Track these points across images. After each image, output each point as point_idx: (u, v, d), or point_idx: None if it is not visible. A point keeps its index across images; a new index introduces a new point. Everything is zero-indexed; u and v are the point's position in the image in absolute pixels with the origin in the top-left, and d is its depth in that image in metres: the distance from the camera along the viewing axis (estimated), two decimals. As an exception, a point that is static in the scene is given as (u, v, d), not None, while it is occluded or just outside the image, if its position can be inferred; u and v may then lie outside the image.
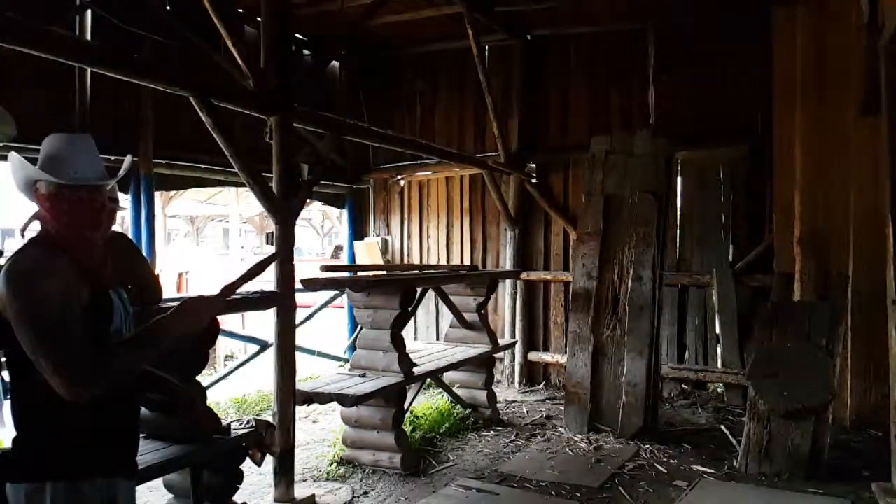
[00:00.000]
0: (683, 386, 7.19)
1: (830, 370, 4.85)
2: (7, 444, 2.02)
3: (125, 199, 5.71)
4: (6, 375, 3.87)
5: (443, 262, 8.32)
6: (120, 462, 2.07)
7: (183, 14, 5.72)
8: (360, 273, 6.53)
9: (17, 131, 4.67)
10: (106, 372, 1.83)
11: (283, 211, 4.16)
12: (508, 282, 7.79)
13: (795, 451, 4.75)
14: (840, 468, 4.81)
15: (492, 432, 5.99)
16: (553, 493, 4.56)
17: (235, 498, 3.61)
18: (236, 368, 6.90)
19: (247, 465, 3.65)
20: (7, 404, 3.73)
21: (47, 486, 1.87)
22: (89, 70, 4.87)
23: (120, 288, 2.11)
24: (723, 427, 5.97)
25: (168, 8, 5.89)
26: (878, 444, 5.48)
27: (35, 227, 2.04)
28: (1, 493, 1.91)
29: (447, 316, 6.99)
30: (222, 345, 8.75)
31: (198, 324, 2.09)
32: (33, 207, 2.04)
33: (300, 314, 5.40)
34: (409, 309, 5.34)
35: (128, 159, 2.19)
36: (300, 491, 4.34)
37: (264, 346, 6.70)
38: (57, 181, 1.93)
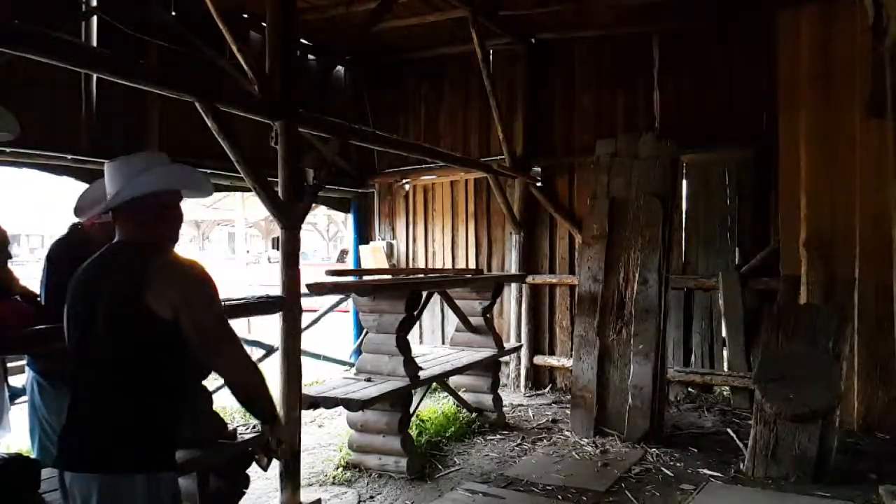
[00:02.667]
0: (689, 389, 7.17)
1: (837, 373, 4.84)
2: (11, 448, 2.04)
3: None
4: (12, 381, 3.88)
5: (448, 266, 8.32)
6: (174, 456, 2.17)
7: (188, 20, 5.76)
8: (365, 277, 6.55)
9: (26, 137, 4.70)
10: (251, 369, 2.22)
11: (289, 215, 4.17)
12: (514, 285, 7.79)
13: (802, 455, 4.73)
14: (847, 471, 4.79)
15: (498, 436, 5.98)
16: (559, 496, 4.55)
17: (242, 502, 3.61)
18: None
19: (253, 470, 3.65)
20: (13, 410, 3.74)
21: (137, 478, 1.96)
22: (95, 76, 4.91)
23: None
24: (729, 430, 5.95)
25: (173, 14, 5.92)
26: (885, 446, 5.47)
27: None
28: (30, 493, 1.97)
29: (452, 320, 6.99)
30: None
31: None
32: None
33: (306, 318, 5.42)
34: (415, 313, 5.34)
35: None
36: (306, 495, 4.34)
37: (270, 350, 6.71)
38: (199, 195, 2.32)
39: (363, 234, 8.95)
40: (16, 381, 4.06)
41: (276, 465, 3.97)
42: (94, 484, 1.91)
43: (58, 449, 2.07)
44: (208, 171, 6.22)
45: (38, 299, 3.27)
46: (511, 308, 7.92)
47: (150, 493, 1.95)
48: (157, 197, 2.13)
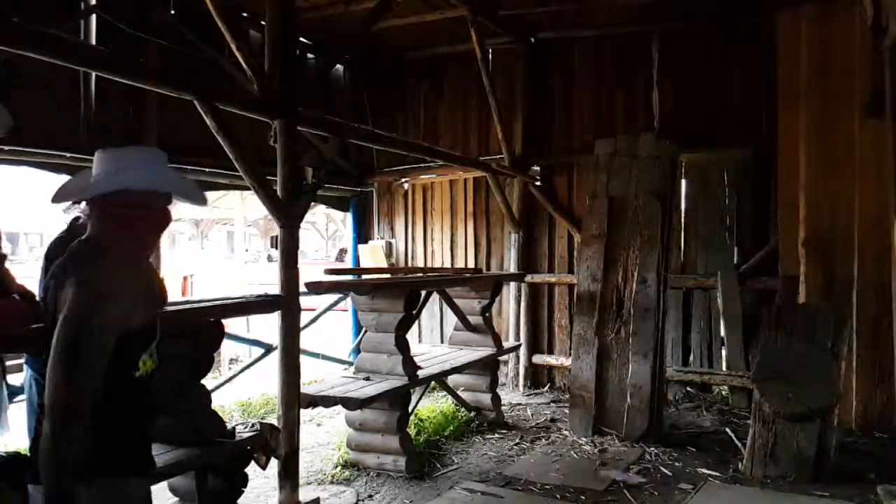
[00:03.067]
0: (688, 389, 7.17)
1: (835, 372, 4.84)
2: (9, 447, 2.03)
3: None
4: (11, 380, 3.88)
5: (447, 265, 8.31)
6: (138, 460, 2.09)
7: (187, 18, 5.76)
8: (364, 276, 6.55)
9: (25, 135, 4.70)
10: (77, 416, 1.83)
11: (288, 214, 4.17)
12: (513, 284, 7.79)
13: (801, 454, 4.73)
14: (846, 471, 4.79)
15: (496, 435, 5.98)
16: (558, 496, 4.55)
17: (240, 501, 3.61)
18: (241, 372, 6.91)
19: (252, 469, 3.65)
20: (12, 408, 3.74)
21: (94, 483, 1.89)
22: (94, 74, 4.90)
23: None
24: (728, 430, 5.95)
25: (172, 12, 5.91)
26: (884, 446, 5.47)
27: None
28: (24, 492, 1.93)
29: (451, 319, 6.99)
30: (227, 348, 8.76)
31: None
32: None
33: (304, 317, 5.41)
34: (414, 312, 5.34)
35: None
36: (305, 494, 4.34)
37: (269, 349, 6.71)
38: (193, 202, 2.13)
39: (362, 234, 8.95)
40: (14, 379, 4.06)
41: (274, 463, 3.98)
42: (37, 495, 1.87)
43: (28, 461, 2.00)
44: (207, 169, 6.27)
45: (36, 298, 3.27)
46: (510, 307, 7.92)
47: (115, 500, 1.92)
48: (137, 196, 1.99)
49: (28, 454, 1.99)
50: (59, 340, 1.82)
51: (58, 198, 2.11)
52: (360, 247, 8.80)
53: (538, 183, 7.82)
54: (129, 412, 2.04)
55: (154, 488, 3.31)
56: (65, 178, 5.35)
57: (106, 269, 1.91)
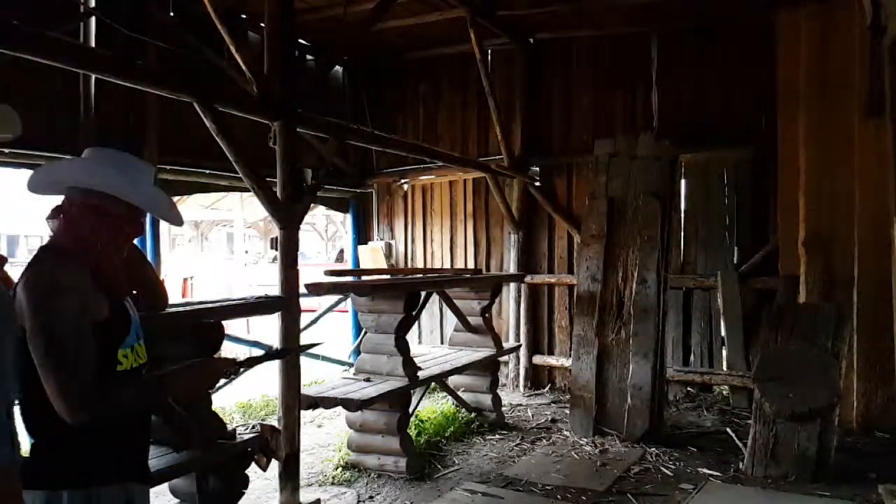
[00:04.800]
0: (689, 389, 7.18)
1: (836, 372, 4.84)
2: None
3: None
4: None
5: (447, 265, 8.31)
6: (134, 467, 2.07)
7: (187, 20, 5.76)
8: (364, 277, 6.55)
9: (22, 138, 4.69)
10: (108, 404, 1.86)
11: (288, 216, 4.17)
12: (513, 285, 7.79)
13: (801, 454, 4.73)
14: (846, 470, 4.79)
15: (497, 436, 5.98)
16: (559, 496, 4.55)
17: (241, 503, 3.61)
18: (241, 373, 6.90)
19: (252, 470, 3.65)
20: (15, 409, 3.73)
21: (64, 494, 1.86)
22: (94, 76, 4.90)
23: (128, 296, 2.12)
24: (728, 430, 5.96)
25: (172, 14, 5.91)
26: (885, 445, 5.47)
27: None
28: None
29: (451, 320, 6.99)
30: (227, 349, 8.75)
31: (213, 383, 2.12)
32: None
33: (305, 318, 5.41)
34: (414, 313, 5.34)
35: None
36: (306, 495, 4.34)
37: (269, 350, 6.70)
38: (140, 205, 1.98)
39: (362, 235, 8.95)
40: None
41: (275, 465, 3.98)
42: (38, 500, 1.85)
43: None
44: (207, 171, 6.27)
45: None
46: (510, 308, 7.92)
47: None
48: (104, 199, 1.93)
49: (28, 457, 1.98)
50: (41, 348, 1.78)
51: (33, 185, 2.00)
52: (360, 248, 8.79)
53: (537, 183, 7.83)
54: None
55: (155, 490, 3.32)
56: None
57: (52, 265, 1.87)
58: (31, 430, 1.94)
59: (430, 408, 6.45)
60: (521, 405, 7.12)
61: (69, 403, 1.78)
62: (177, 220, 2.19)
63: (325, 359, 7.79)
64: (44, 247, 1.96)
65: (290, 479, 4.19)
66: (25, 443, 1.75)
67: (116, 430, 1.96)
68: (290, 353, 3.91)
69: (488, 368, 6.45)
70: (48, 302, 1.80)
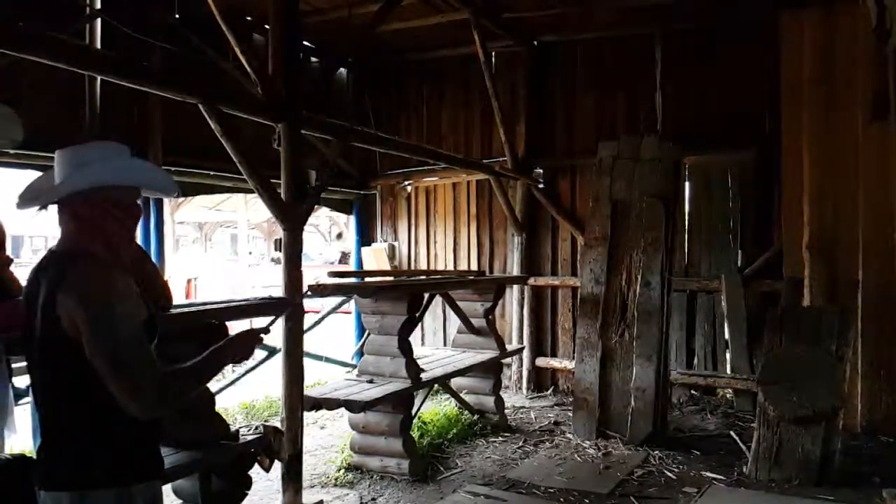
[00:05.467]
0: (692, 392, 7.16)
1: (840, 375, 4.83)
2: (17, 449, 2.03)
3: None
4: (16, 382, 3.88)
5: (450, 267, 8.31)
6: (160, 464, 2.10)
7: (191, 22, 5.77)
8: (367, 279, 6.55)
9: (27, 139, 4.72)
10: (174, 395, 1.92)
11: (292, 217, 4.18)
12: (516, 287, 7.79)
13: (805, 458, 4.72)
14: (850, 474, 4.77)
15: (500, 438, 5.98)
16: (561, 499, 4.54)
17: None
18: (245, 374, 6.91)
19: (255, 471, 3.65)
20: (18, 411, 3.74)
21: (93, 494, 1.88)
22: (99, 78, 4.91)
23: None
24: (732, 433, 5.94)
25: (177, 16, 5.93)
26: (889, 449, 5.46)
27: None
28: (31, 496, 1.92)
29: (454, 321, 6.98)
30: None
31: (249, 353, 2.16)
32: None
33: (308, 320, 5.41)
34: (417, 315, 5.35)
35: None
36: (308, 497, 4.34)
37: (272, 351, 6.71)
38: (164, 195, 2.09)
39: (365, 236, 8.95)
40: (20, 381, 4.07)
41: (277, 466, 3.98)
42: (64, 501, 1.86)
43: (35, 465, 1.98)
44: (211, 172, 6.28)
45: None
46: (513, 310, 7.92)
47: None
48: (107, 192, 1.92)
49: (33, 456, 1.99)
50: (109, 351, 1.79)
51: (23, 203, 1.99)
52: (363, 249, 8.80)
53: (541, 185, 7.82)
54: None
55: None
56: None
57: (98, 270, 1.87)
58: (67, 432, 1.92)
59: (433, 409, 6.45)
60: (524, 407, 7.12)
61: (144, 401, 1.82)
62: (171, 187, 2.16)
63: (328, 360, 7.79)
64: (69, 251, 1.92)
65: (292, 480, 4.19)
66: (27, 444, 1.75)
67: (149, 428, 1.99)
68: (289, 305, 4.03)
69: (491, 370, 6.45)
70: (111, 307, 1.81)
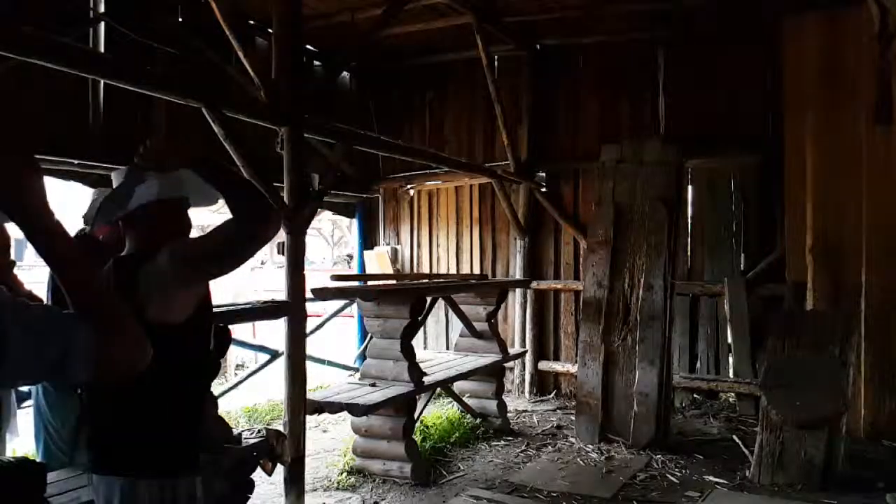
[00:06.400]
0: (695, 396, 7.15)
1: (844, 380, 4.81)
2: (19, 452, 2.04)
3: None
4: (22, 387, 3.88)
5: (452, 271, 8.31)
6: (198, 461, 2.17)
7: (195, 26, 5.79)
8: (370, 282, 6.55)
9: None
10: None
11: (295, 220, 4.18)
12: (518, 291, 7.78)
13: (809, 462, 4.71)
14: (854, 479, 4.75)
15: (502, 442, 5.97)
16: (564, 503, 4.53)
17: (246, 507, 3.62)
18: (247, 378, 6.93)
19: (257, 475, 3.65)
20: (20, 414, 3.75)
21: (141, 483, 1.97)
22: (102, 81, 4.93)
23: None
24: (735, 437, 5.92)
25: (180, 20, 5.95)
26: (893, 454, 5.43)
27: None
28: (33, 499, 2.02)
29: (457, 325, 6.99)
30: (233, 354, 8.78)
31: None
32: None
33: (310, 323, 5.42)
34: (419, 318, 5.35)
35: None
36: (311, 500, 4.34)
37: (275, 355, 6.72)
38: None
39: (368, 240, 8.96)
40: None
41: (280, 469, 3.99)
42: (115, 486, 1.97)
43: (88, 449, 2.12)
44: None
45: (44, 303, 3.28)
46: (516, 313, 7.91)
47: (165, 497, 1.99)
48: (163, 204, 2.13)
49: (35, 459, 2.00)
50: (209, 249, 2.03)
51: (89, 220, 2.23)
52: (366, 253, 8.81)
53: (544, 189, 7.83)
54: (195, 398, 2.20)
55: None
56: (74, 185, 5.39)
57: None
58: (118, 423, 2.02)
59: (436, 413, 6.45)
60: (526, 411, 7.11)
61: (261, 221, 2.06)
62: (213, 197, 2.31)
63: (330, 363, 7.79)
64: (131, 255, 2.11)
65: (295, 483, 4.19)
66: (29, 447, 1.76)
67: (191, 424, 2.12)
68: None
69: (494, 374, 6.44)
70: (186, 266, 2.01)
